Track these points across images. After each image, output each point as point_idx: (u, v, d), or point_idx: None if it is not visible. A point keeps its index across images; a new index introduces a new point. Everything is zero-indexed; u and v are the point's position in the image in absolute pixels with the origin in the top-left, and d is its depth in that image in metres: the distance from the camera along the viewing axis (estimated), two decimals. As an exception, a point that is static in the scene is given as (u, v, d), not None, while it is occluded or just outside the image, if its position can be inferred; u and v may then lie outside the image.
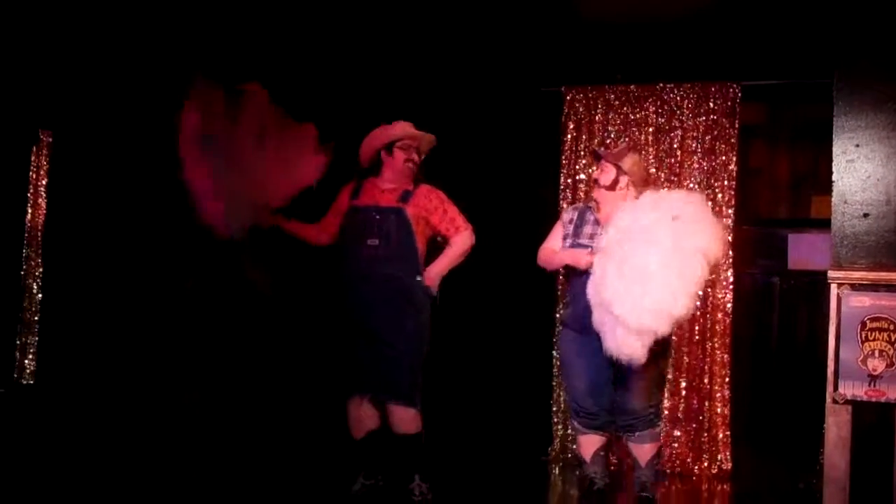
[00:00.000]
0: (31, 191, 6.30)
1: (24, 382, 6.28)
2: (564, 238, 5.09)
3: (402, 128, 5.43)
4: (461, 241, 5.35)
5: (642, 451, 5.01)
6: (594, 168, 5.41)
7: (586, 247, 4.91)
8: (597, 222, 5.01)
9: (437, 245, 5.42)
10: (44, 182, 6.33)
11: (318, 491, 5.56)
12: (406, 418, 5.19)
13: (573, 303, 5.04)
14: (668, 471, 6.45)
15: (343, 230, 5.37)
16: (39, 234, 6.35)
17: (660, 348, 4.81)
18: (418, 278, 5.23)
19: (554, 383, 6.85)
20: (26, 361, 6.34)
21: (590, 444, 5.08)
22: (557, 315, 6.40)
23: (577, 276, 4.92)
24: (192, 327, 6.38)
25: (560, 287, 6.12)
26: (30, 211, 6.30)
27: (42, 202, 6.33)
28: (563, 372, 5.34)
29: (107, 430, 5.90)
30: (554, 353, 6.69)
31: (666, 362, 5.28)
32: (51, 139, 6.31)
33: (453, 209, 5.36)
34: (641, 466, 5.03)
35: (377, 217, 5.20)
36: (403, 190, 5.30)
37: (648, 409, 4.95)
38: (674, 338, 5.50)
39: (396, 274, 5.18)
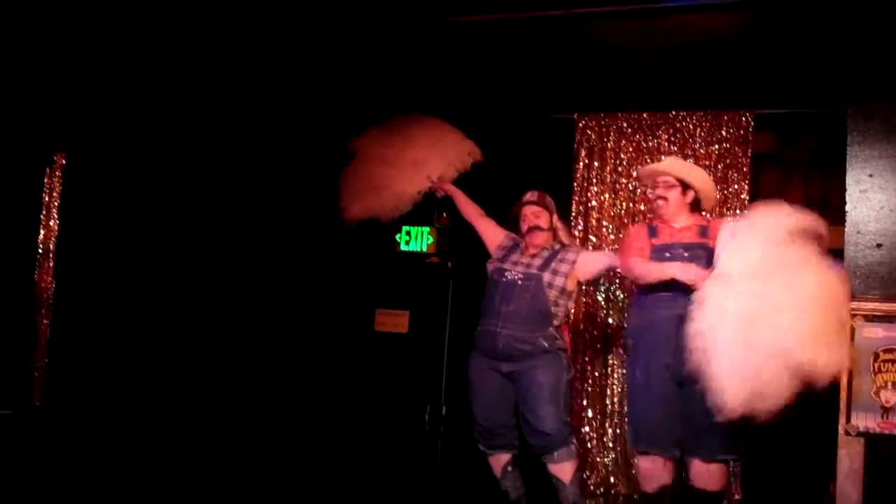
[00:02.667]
0: (44, 212, 6.33)
1: (34, 404, 6.28)
2: (494, 260, 5.27)
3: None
4: None
5: (563, 470, 4.98)
6: (648, 189, 5.23)
7: (507, 271, 5.12)
8: (522, 252, 5.21)
9: None
10: (56, 203, 6.36)
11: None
12: (721, 473, 4.70)
13: (483, 320, 5.14)
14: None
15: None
16: (52, 254, 6.38)
17: (564, 363, 5.03)
18: None
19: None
20: (37, 383, 6.34)
21: (498, 462, 5.17)
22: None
23: (491, 292, 5.11)
24: (206, 351, 6.40)
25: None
26: (42, 232, 6.33)
27: (54, 224, 6.35)
28: (470, 394, 5.23)
29: (116, 449, 5.90)
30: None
31: (570, 382, 5.19)
32: (64, 161, 6.35)
33: None
34: (566, 485, 4.98)
35: (685, 254, 4.73)
36: (700, 226, 4.86)
37: (562, 429, 4.96)
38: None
39: None
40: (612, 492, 6.61)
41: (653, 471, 4.69)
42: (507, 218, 5.39)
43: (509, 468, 5.17)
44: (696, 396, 4.29)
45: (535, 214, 5.23)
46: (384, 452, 6.76)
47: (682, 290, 4.44)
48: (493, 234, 5.43)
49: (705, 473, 4.58)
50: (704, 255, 4.55)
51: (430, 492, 6.16)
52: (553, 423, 4.93)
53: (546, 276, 5.07)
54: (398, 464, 6.64)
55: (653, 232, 4.87)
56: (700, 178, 4.93)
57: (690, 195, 4.85)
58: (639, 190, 6.78)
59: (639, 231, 5.02)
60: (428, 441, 6.68)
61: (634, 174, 6.75)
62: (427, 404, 6.79)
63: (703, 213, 5.15)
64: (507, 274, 5.14)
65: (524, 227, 5.24)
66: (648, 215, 5.30)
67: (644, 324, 4.75)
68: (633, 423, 4.95)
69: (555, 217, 5.30)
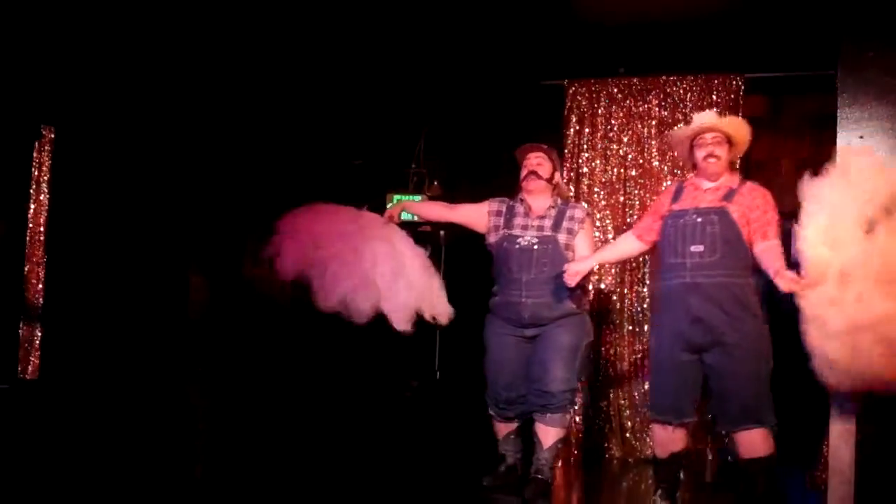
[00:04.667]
0: (34, 187, 6.29)
1: (28, 378, 6.28)
2: (493, 229, 5.12)
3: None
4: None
5: (548, 433, 4.94)
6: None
7: (518, 237, 4.99)
8: (527, 214, 5.08)
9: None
10: (46, 178, 6.32)
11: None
12: (763, 440, 4.46)
13: (503, 289, 5.04)
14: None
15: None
16: (42, 229, 6.35)
17: (587, 327, 5.04)
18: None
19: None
20: (30, 357, 6.34)
21: (504, 428, 5.16)
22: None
23: (507, 261, 4.98)
24: (198, 327, 6.39)
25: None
26: (32, 207, 6.30)
27: (44, 198, 6.32)
28: (486, 359, 5.13)
29: (109, 426, 5.90)
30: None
31: (590, 345, 5.14)
32: (53, 135, 6.31)
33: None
34: (543, 448, 4.95)
35: (698, 220, 4.49)
36: (729, 189, 4.56)
37: (566, 393, 4.92)
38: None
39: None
40: (607, 456, 6.66)
41: (664, 437, 4.62)
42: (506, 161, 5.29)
43: (512, 435, 5.17)
44: (715, 366, 4.38)
45: (537, 161, 5.11)
46: (372, 421, 6.78)
47: (697, 257, 4.42)
48: (475, 213, 5.28)
49: (741, 442, 4.45)
50: (718, 221, 4.42)
51: (421, 458, 6.18)
52: (560, 384, 4.88)
53: (561, 238, 5.00)
54: (385, 433, 6.67)
55: (678, 194, 4.68)
56: (746, 138, 4.67)
57: (733, 151, 4.66)
58: (630, 155, 6.78)
59: (666, 194, 4.86)
60: (413, 410, 6.74)
61: (625, 140, 6.76)
62: (411, 378, 6.84)
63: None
64: (519, 240, 5.01)
65: (523, 173, 5.12)
66: (689, 174, 4.95)
67: (660, 292, 4.73)
68: (650, 391, 4.99)
69: (557, 174, 5.19)
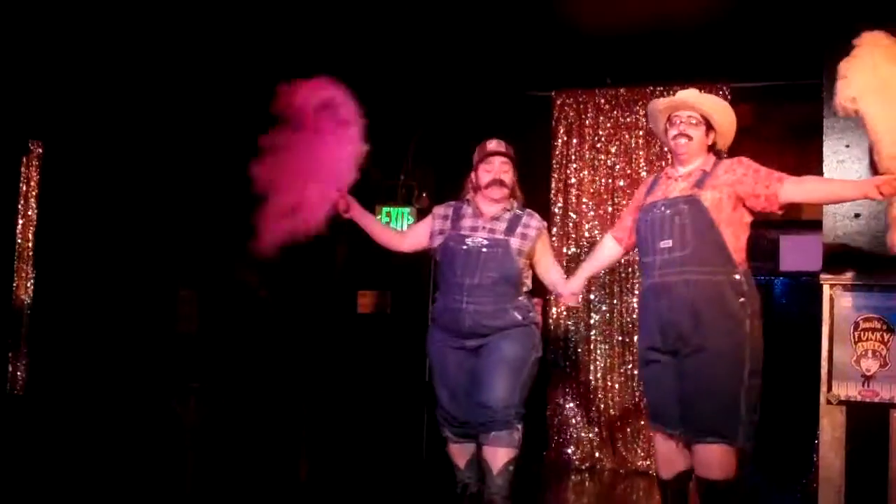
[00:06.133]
0: (22, 202, 6.27)
1: (16, 394, 6.25)
2: (437, 233, 4.64)
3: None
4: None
5: (496, 455, 4.34)
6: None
7: (466, 237, 4.51)
8: (476, 215, 4.60)
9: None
10: (34, 193, 6.30)
11: None
12: (719, 459, 3.93)
13: (444, 294, 4.60)
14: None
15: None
16: (30, 245, 6.33)
17: (536, 340, 4.55)
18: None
19: (548, 389, 6.84)
20: (18, 373, 6.31)
21: (464, 452, 4.61)
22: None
23: (451, 263, 4.51)
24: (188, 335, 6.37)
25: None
26: (20, 222, 6.28)
27: (32, 213, 6.30)
28: (433, 374, 4.67)
29: (97, 440, 5.88)
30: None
31: (538, 361, 4.60)
32: (41, 150, 6.29)
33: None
34: (493, 474, 4.35)
35: (666, 212, 4.08)
36: (702, 171, 4.12)
37: (508, 409, 4.35)
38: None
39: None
40: (598, 467, 6.66)
41: (665, 451, 4.10)
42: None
43: (473, 461, 4.60)
44: (689, 370, 3.91)
45: (504, 168, 4.61)
46: (373, 433, 6.77)
47: (666, 254, 3.97)
48: (422, 227, 4.84)
49: (701, 457, 3.92)
50: (688, 211, 3.94)
51: (422, 465, 6.18)
52: (500, 397, 4.35)
53: (514, 242, 4.52)
54: (387, 444, 6.66)
55: (652, 186, 4.26)
56: (728, 121, 4.20)
57: (712, 136, 4.15)
58: (618, 166, 6.80)
59: (642, 186, 4.43)
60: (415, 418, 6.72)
61: (613, 150, 6.79)
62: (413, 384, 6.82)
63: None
64: (467, 241, 4.52)
65: (486, 179, 4.59)
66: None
67: (639, 297, 4.41)
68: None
69: (514, 174, 4.68)
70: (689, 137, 4.09)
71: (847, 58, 3.83)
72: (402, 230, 5.03)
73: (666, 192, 4.10)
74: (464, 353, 4.54)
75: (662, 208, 4.04)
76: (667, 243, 3.97)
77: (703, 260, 3.90)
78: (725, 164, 4.07)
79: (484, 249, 4.49)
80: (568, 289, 4.58)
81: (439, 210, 4.76)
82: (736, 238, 3.95)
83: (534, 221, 4.64)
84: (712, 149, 4.16)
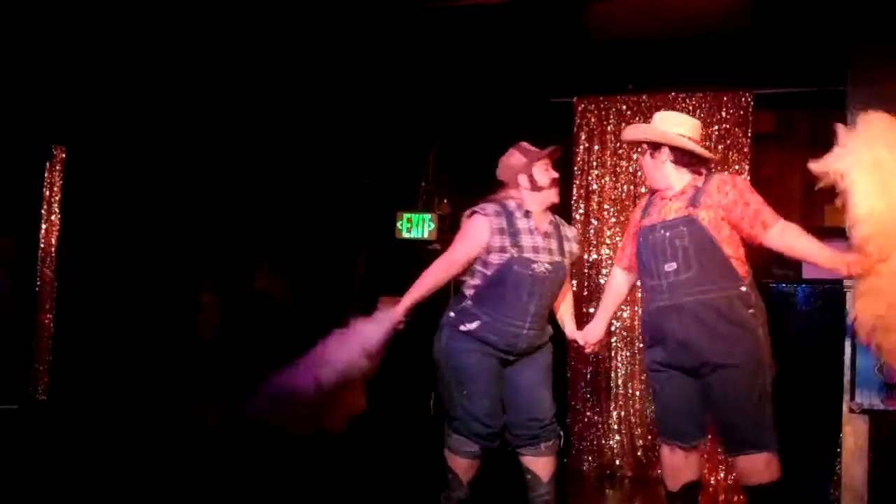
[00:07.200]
0: (45, 206, 6.32)
1: (39, 398, 6.29)
2: (497, 250, 4.37)
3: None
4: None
5: (547, 465, 4.44)
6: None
7: (533, 262, 4.35)
8: (532, 230, 4.42)
9: None
10: (57, 198, 6.35)
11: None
12: (766, 464, 3.99)
13: (496, 312, 4.38)
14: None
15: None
16: (53, 249, 6.37)
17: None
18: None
19: (568, 396, 6.82)
20: (41, 377, 6.35)
21: (473, 468, 4.51)
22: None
23: (516, 287, 4.34)
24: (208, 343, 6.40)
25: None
26: (43, 227, 6.32)
27: (55, 218, 6.35)
28: (465, 387, 4.42)
29: (119, 445, 5.91)
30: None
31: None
32: (64, 154, 6.33)
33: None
34: (543, 482, 4.44)
35: (666, 235, 4.06)
36: (694, 188, 4.08)
37: (554, 419, 4.47)
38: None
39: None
40: (618, 475, 6.64)
41: (671, 462, 4.14)
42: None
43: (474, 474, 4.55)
44: (716, 388, 3.94)
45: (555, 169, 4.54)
46: (391, 440, 6.76)
47: (672, 276, 3.98)
48: (475, 238, 4.44)
49: (746, 467, 3.99)
50: (688, 233, 3.96)
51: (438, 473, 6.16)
52: (548, 409, 4.45)
53: (566, 263, 4.53)
54: (406, 450, 6.65)
55: (646, 210, 4.22)
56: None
57: (664, 153, 4.08)
58: (639, 172, 6.77)
59: (636, 210, 4.39)
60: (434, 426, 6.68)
61: (635, 157, 6.76)
62: (431, 391, 6.79)
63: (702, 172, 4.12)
64: (534, 266, 4.36)
65: (547, 180, 4.45)
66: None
67: (645, 317, 4.22)
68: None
69: None
70: (642, 167, 4.30)
71: (849, 127, 3.97)
72: (447, 262, 4.54)
73: (662, 215, 4.09)
74: (499, 364, 4.45)
75: (662, 231, 4.04)
76: (671, 266, 3.99)
77: (709, 279, 3.94)
78: (717, 181, 4.06)
79: (549, 275, 4.40)
80: (592, 336, 4.53)
81: (493, 223, 4.39)
82: (736, 251, 3.98)
83: (571, 232, 4.64)
84: (690, 161, 4.09)
